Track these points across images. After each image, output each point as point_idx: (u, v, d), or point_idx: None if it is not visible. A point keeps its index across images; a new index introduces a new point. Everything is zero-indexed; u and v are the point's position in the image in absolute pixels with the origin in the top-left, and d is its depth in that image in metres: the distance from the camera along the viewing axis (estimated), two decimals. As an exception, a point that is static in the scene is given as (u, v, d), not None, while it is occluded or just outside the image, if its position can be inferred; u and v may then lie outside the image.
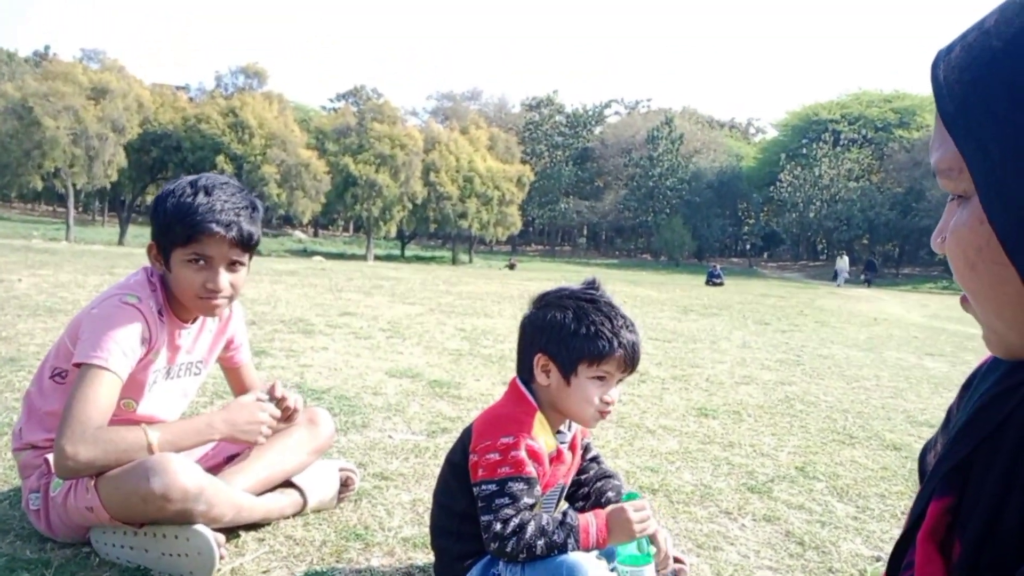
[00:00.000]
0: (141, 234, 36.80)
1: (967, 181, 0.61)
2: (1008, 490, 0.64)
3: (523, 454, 1.45)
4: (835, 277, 34.70)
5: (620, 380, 1.57)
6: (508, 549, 1.41)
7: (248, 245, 1.86)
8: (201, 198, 1.78)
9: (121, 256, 14.82)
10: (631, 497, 1.53)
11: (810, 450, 3.23)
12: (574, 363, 1.49)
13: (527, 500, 1.45)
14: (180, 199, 1.78)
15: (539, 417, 1.52)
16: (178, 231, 1.77)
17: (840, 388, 4.93)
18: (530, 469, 1.46)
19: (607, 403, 1.53)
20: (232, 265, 1.85)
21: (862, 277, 36.70)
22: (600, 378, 1.51)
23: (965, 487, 0.71)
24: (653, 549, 1.53)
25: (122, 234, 36.28)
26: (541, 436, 1.50)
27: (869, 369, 6.01)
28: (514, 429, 1.47)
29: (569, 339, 1.48)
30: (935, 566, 0.69)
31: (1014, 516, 0.62)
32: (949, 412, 0.84)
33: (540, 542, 1.41)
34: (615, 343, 1.49)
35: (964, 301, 0.69)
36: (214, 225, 1.76)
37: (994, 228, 0.59)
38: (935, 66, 0.63)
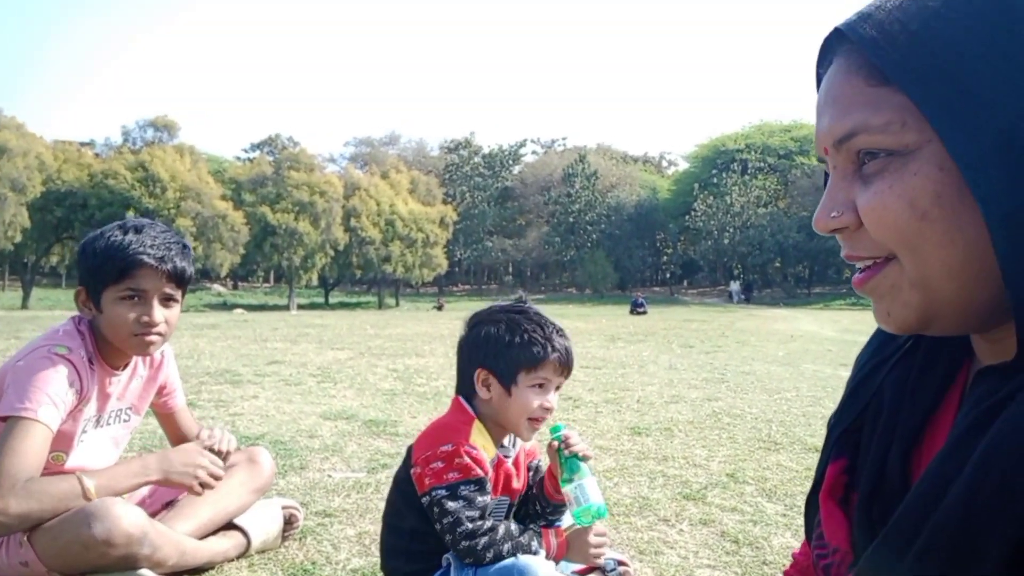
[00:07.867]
0: (46, 296, 35.01)
1: (913, 131, 0.59)
2: (887, 447, 0.74)
3: (467, 459, 1.50)
4: (730, 298, 45.07)
5: (558, 387, 1.64)
6: (479, 547, 1.45)
7: (181, 280, 1.86)
8: (132, 236, 1.79)
9: (26, 320, 14.07)
10: (556, 429, 1.62)
11: (739, 458, 3.37)
12: (513, 373, 1.56)
13: (482, 499, 1.51)
14: (110, 239, 1.78)
15: (477, 425, 1.58)
16: (109, 268, 1.77)
17: (763, 400, 5.15)
18: (478, 471, 1.51)
19: (547, 408, 1.60)
20: (166, 301, 1.85)
21: (742, 296, 45.87)
22: (539, 385, 1.58)
23: (858, 449, 0.80)
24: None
25: (26, 297, 34.42)
26: (480, 443, 1.55)
27: (789, 382, 6.29)
28: (452, 437, 1.54)
29: (505, 350, 1.56)
30: (836, 519, 0.78)
31: (895, 469, 0.72)
32: (848, 384, 0.95)
33: (507, 545, 1.48)
34: (548, 348, 1.57)
35: (860, 283, 0.68)
36: (146, 258, 1.77)
37: (960, 166, 0.56)
38: (853, 28, 0.62)
